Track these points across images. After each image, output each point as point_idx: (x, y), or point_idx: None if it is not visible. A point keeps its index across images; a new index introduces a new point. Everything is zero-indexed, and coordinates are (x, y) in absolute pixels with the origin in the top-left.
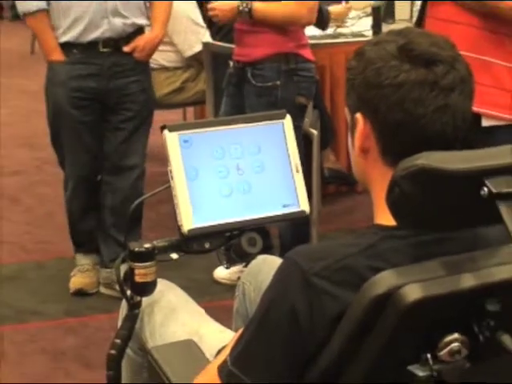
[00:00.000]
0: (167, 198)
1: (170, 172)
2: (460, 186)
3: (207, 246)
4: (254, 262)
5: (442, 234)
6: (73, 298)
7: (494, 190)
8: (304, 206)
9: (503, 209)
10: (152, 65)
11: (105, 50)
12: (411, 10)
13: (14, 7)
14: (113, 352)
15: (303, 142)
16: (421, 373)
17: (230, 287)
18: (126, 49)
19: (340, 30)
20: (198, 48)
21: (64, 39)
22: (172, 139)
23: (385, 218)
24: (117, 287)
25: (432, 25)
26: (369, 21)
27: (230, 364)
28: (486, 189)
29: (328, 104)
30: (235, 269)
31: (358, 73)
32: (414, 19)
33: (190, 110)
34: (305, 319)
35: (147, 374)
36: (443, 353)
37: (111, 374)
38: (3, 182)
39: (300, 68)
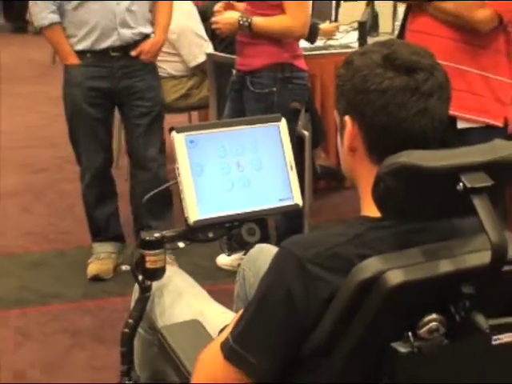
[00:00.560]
0: (175, 192)
1: (178, 169)
2: (438, 182)
3: (211, 235)
4: (252, 250)
5: (422, 224)
6: (90, 283)
7: (468, 185)
8: (297, 199)
9: (477, 202)
10: (161, 73)
11: (115, 54)
12: (393, 24)
13: None
14: (126, 330)
15: (297, 142)
16: (403, 349)
17: (231, 273)
18: (133, 53)
19: (329, 42)
20: (202, 59)
21: (79, 47)
22: (179, 140)
23: (370, 210)
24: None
25: (412, 37)
26: (355, 34)
27: (231, 341)
28: (461, 184)
29: (318, 108)
30: (236, 256)
31: (346, 80)
32: (396, 32)
33: (195, 113)
34: (299, 301)
35: (157, 350)
36: (423, 331)
37: (124, 350)
38: (29, 179)
39: (294, 76)
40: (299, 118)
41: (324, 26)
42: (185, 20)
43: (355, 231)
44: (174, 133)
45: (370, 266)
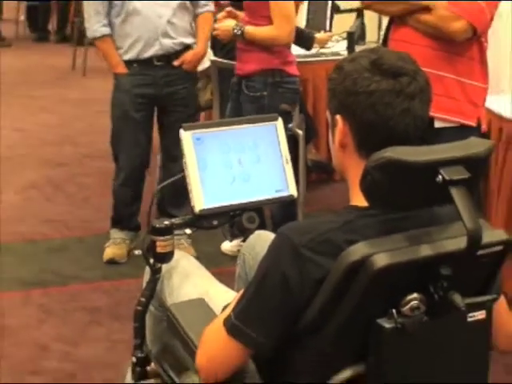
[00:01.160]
0: None
1: (185, 163)
2: (419, 174)
3: (215, 223)
4: (251, 236)
5: (405, 212)
6: (106, 266)
7: (447, 178)
8: (292, 190)
9: (454, 192)
10: None
11: (158, 63)
12: (378, 34)
13: (59, 32)
14: (139, 308)
15: (291, 139)
16: (387, 324)
17: (232, 257)
18: (175, 63)
19: (321, 50)
20: (207, 64)
21: (126, 57)
22: (187, 137)
23: (358, 200)
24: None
25: (395, 45)
26: (344, 43)
27: (233, 318)
28: (440, 176)
29: (311, 109)
30: (236, 242)
31: (338, 83)
32: (381, 41)
33: (201, 114)
34: (294, 283)
35: (166, 325)
36: (405, 309)
37: (137, 326)
38: (50, 173)
39: (285, 81)
40: (292, 119)
41: (319, 35)
42: None
43: (345, 219)
44: (182, 131)
45: (358, 250)
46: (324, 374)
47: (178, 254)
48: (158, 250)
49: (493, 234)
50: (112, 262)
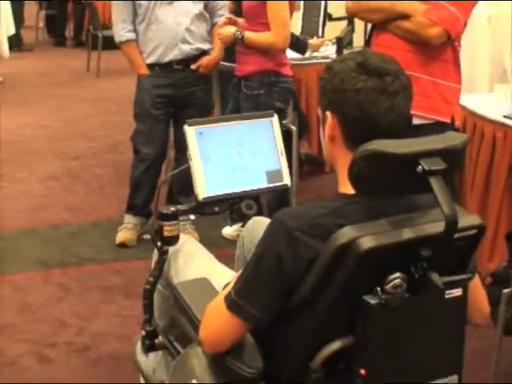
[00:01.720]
0: None
1: (189, 156)
2: (401, 165)
3: (216, 209)
4: (249, 222)
5: (389, 199)
6: (119, 249)
7: (426, 168)
8: (287, 180)
9: (433, 181)
10: None
11: (177, 67)
12: (365, 40)
13: (75, 37)
14: (147, 287)
15: (285, 134)
16: (372, 301)
17: (232, 241)
18: (193, 66)
19: (314, 54)
20: None
21: (148, 61)
22: (190, 131)
23: (346, 188)
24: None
25: (376, 50)
26: (334, 48)
27: (233, 295)
28: (420, 167)
29: (304, 106)
30: (236, 227)
31: (327, 82)
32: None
33: None
34: (288, 263)
35: (172, 302)
36: (389, 286)
37: (146, 303)
38: (68, 164)
39: (280, 81)
40: (286, 116)
41: (312, 41)
42: None
43: (334, 205)
44: (186, 126)
45: (346, 233)
46: (316, 345)
47: (183, 237)
48: (165, 233)
49: (468, 219)
50: (123, 245)
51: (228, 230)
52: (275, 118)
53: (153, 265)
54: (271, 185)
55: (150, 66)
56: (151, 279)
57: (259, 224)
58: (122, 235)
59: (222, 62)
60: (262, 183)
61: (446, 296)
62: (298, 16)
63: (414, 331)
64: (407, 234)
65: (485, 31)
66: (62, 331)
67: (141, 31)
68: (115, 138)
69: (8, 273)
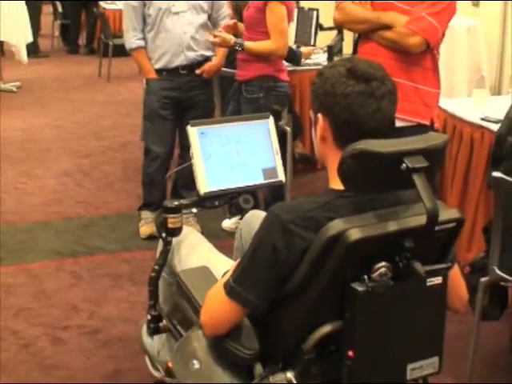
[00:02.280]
0: None
1: (192, 154)
2: (387, 163)
3: (216, 203)
4: (247, 215)
5: (375, 195)
6: (126, 240)
7: (410, 166)
8: (282, 177)
9: (416, 178)
10: None
11: (183, 72)
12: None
13: (87, 45)
14: (153, 274)
15: (280, 135)
16: (360, 288)
17: (231, 233)
18: (197, 71)
19: (306, 62)
20: None
21: (157, 66)
22: (193, 131)
23: (336, 184)
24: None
25: (362, 57)
26: (325, 55)
27: (231, 282)
28: (404, 165)
29: (298, 109)
30: (235, 219)
31: (319, 86)
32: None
33: None
34: (282, 254)
35: (175, 288)
36: (375, 275)
37: (152, 289)
38: (80, 162)
39: (277, 86)
40: (281, 118)
41: (304, 49)
42: None
43: (325, 200)
44: (189, 126)
45: (336, 225)
46: (308, 328)
47: (185, 229)
48: (169, 225)
49: (448, 213)
50: (151, 237)
51: (227, 223)
52: (271, 120)
53: (158, 254)
54: (267, 181)
55: (158, 71)
56: (156, 267)
57: (256, 217)
58: (147, 229)
59: (223, 68)
60: (259, 179)
61: (428, 284)
62: (292, 26)
63: (398, 316)
64: (392, 226)
65: (464, 41)
66: (75, 315)
67: (150, 39)
68: (124, 138)
69: (25, 261)
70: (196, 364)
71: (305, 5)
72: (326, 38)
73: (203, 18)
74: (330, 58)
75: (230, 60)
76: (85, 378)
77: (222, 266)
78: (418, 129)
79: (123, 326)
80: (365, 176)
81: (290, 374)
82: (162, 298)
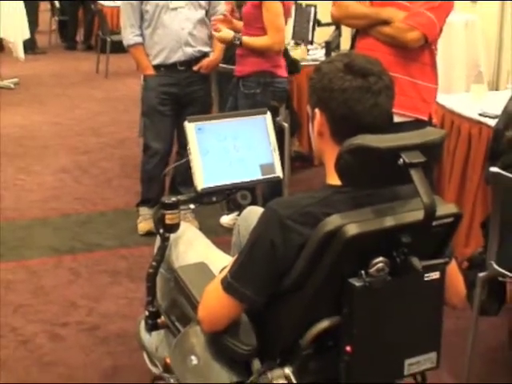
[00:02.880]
0: None
1: (189, 150)
2: (384, 158)
3: (214, 199)
4: (245, 211)
5: (372, 190)
6: (124, 236)
7: (407, 161)
8: (279, 173)
9: (413, 173)
10: None
11: (181, 68)
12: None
13: (85, 42)
14: (150, 271)
15: (278, 132)
16: (357, 283)
17: (229, 229)
18: (195, 67)
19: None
20: None
21: (155, 62)
22: (190, 127)
23: (333, 179)
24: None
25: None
26: (323, 51)
27: (229, 277)
28: (401, 160)
29: (295, 105)
30: (233, 215)
31: (316, 81)
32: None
33: None
34: (279, 249)
35: (173, 284)
36: (372, 270)
37: (149, 285)
38: (78, 159)
39: (275, 82)
40: (279, 113)
41: (295, 52)
42: None
43: (322, 195)
44: (186, 122)
45: (333, 221)
46: (305, 324)
47: (183, 225)
48: (167, 221)
49: (445, 208)
50: (148, 233)
51: (225, 219)
52: (268, 115)
53: (155, 250)
54: (264, 177)
55: (156, 67)
56: (154, 264)
57: (253, 213)
58: (145, 225)
59: (221, 64)
60: (256, 175)
61: (425, 279)
62: (290, 22)
63: (395, 311)
64: (389, 221)
65: (462, 36)
66: (73, 311)
67: (147, 35)
68: (122, 135)
69: (24, 258)
70: (194, 360)
71: (302, 1)
72: (323, 34)
73: (201, 13)
74: (327, 54)
75: (228, 56)
76: (83, 374)
77: (220, 261)
78: (416, 124)
79: (121, 322)
80: (362, 171)
81: (287, 370)
82: (159, 294)
